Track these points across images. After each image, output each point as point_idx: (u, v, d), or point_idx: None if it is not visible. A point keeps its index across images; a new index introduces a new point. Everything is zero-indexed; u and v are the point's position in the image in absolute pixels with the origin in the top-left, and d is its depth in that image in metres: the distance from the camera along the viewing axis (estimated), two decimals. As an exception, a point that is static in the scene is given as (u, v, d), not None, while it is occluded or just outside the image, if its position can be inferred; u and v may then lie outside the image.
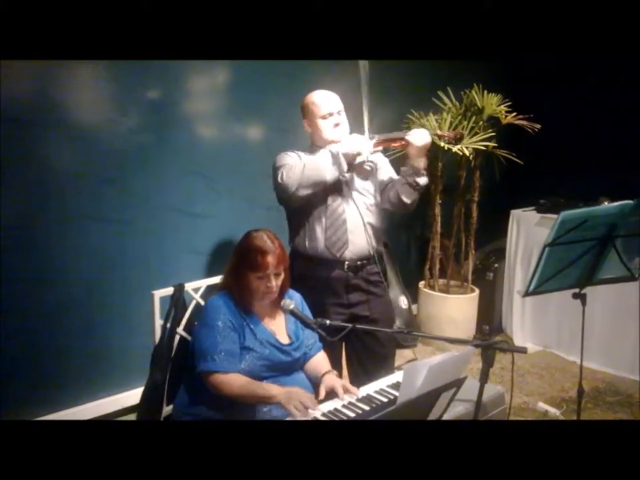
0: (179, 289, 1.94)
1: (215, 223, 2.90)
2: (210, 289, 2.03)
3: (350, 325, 1.64)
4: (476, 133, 3.33)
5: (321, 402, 1.69)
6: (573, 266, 1.92)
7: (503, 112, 3.39)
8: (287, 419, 1.59)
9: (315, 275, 2.14)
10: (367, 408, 1.66)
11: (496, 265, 3.95)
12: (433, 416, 1.45)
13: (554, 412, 2.88)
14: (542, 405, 2.94)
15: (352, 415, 1.63)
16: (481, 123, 3.40)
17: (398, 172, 2.25)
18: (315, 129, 2.19)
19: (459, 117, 3.43)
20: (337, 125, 2.15)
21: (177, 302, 1.92)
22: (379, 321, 2.18)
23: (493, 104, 3.38)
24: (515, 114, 3.38)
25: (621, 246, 1.94)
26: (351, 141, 2.07)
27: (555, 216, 1.84)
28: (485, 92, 3.41)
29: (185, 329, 1.95)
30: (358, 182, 2.19)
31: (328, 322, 1.65)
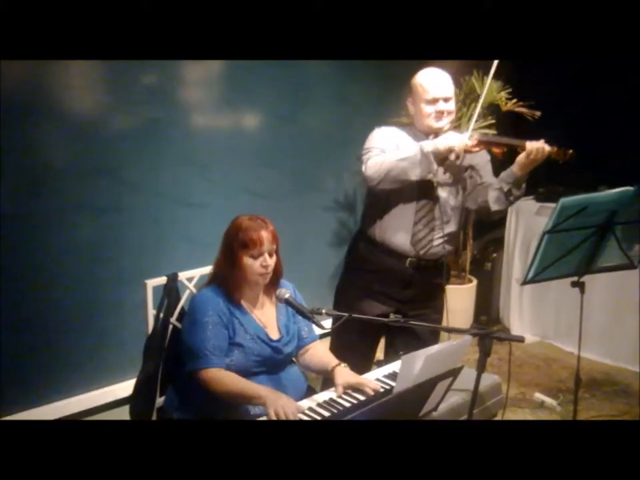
0: (172, 278, 1.91)
1: (210, 212, 2.86)
2: (204, 279, 2.00)
3: (346, 315, 1.61)
4: (475, 121, 3.29)
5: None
6: (572, 253, 1.89)
7: (504, 99, 3.35)
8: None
9: (378, 261, 2.08)
10: (362, 398, 1.64)
11: (494, 255, 3.93)
12: (429, 405, 1.43)
13: (550, 402, 2.87)
14: (539, 395, 2.93)
15: (347, 405, 1.61)
16: (480, 110, 3.36)
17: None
18: (417, 112, 2.03)
19: (459, 104, 3.38)
20: (440, 112, 1.98)
21: (170, 291, 1.89)
22: (421, 335, 2.08)
23: (493, 90, 3.34)
24: (515, 101, 3.34)
25: (621, 233, 1.91)
26: (445, 138, 1.91)
27: (553, 204, 1.81)
28: (485, 78, 3.36)
29: (178, 319, 1.92)
30: (448, 180, 2.06)
31: (324, 310, 1.62)
